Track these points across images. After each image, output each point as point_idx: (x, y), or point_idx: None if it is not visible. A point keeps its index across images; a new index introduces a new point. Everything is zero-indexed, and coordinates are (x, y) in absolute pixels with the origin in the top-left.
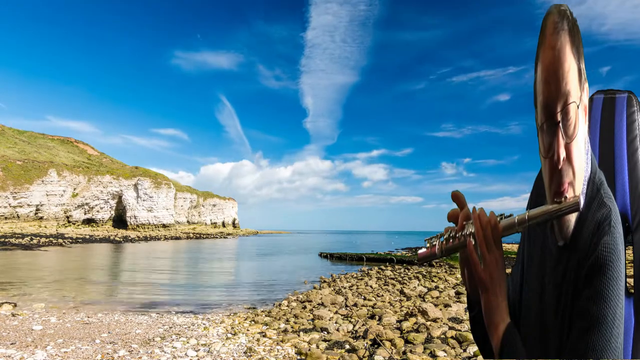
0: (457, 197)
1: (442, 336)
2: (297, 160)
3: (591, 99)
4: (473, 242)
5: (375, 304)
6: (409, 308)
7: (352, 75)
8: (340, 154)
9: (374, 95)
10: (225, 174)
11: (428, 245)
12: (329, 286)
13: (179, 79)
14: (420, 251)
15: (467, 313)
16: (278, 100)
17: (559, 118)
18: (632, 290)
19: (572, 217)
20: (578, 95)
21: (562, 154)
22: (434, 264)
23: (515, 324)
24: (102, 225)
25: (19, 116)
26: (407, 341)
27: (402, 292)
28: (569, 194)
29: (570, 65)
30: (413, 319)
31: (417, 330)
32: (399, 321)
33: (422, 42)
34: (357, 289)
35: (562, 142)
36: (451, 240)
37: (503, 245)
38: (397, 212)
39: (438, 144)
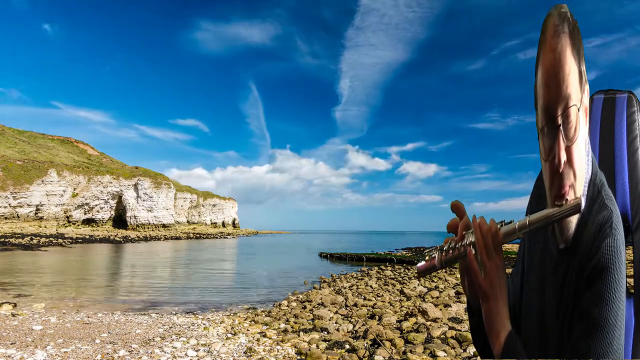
0: (456, 207)
1: (442, 336)
2: (317, 154)
3: (591, 99)
4: (473, 252)
5: (375, 304)
6: (409, 308)
7: (405, 51)
8: (370, 148)
9: (422, 78)
10: (250, 175)
11: (427, 258)
12: (329, 286)
13: (203, 60)
14: (419, 264)
15: (467, 314)
16: (309, 84)
17: (560, 121)
18: (632, 291)
19: (573, 220)
20: (579, 98)
21: (563, 157)
22: None
23: (515, 325)
24: (102, 225)
25: (21, 102)
26: (407, 341)
27: (402, 292)
28: (570, 196)
29: (571, 68)
30: (413, 319)
31: (417, 330)
32: (399, 321)
33: (495, 7)
34: (357, 289)
35: (562, 145)
36: (451, 251)
37: (503, 245)
38: (412, 212)
39: (477, 136)
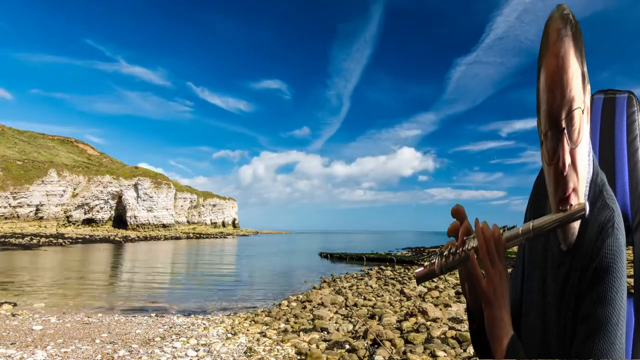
0: (457, 212)
1: (442, 336)
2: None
3: (591, 99)
4: (476, 257)
5: (375, 304)
6: (409, 308)
7: None
8: (479, 123)
9: None
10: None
11: (427, 263)
12: (329, 286)
13: None
14: (417, 270)
15: (467, 320)
16: (451, 10)
17: (564, 125)
18: (632, 290)
19: (576, 222)
20: (582, 100)
21: (567, 160)
22: None
23: (516, 325)
24: (102, 225)
25: (51, 46)
26: (407, 341)
27: (402, 292)
28: (574, 200)
29: (575, 71)
30: (413, 319)
31: (417, 330)
32: (399, 321)
33: None
34: (357, 289)
35: (566, 149)
36: (451, 257)
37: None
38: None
39: None
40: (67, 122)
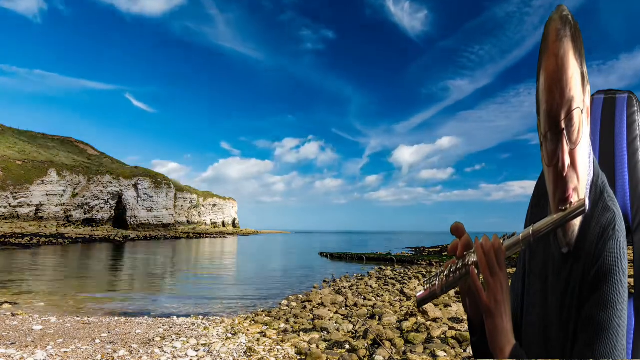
0: (457, 229)
1: (442, 336)
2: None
3: (591, 99)
4: (476, 270)
5: (375, 304)
6: (409, 308)
7: None
8: None
9: None
10: None
11: (427, 286)
12: (329, 286)
13: None
14: (418, 294)
15: (469, 332)
16: None
17: (563, 125)
18: (632, 291)
19: (577, 222)
20: (581, 100)
21: (567, 160)
22: (434, 263)
23: (517, 330)
24: (102, 225)
25: None
26: (407, 341)
27: (402, 292)
28: (574, 199)
29: (574, 72)
30: (413, 319)
31: (417, 330)
32: (399, 321)
33: None
34: (357, 289)
35: (566, 149)
36: (452, 275)
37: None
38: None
39: None
40: (105, 76)
